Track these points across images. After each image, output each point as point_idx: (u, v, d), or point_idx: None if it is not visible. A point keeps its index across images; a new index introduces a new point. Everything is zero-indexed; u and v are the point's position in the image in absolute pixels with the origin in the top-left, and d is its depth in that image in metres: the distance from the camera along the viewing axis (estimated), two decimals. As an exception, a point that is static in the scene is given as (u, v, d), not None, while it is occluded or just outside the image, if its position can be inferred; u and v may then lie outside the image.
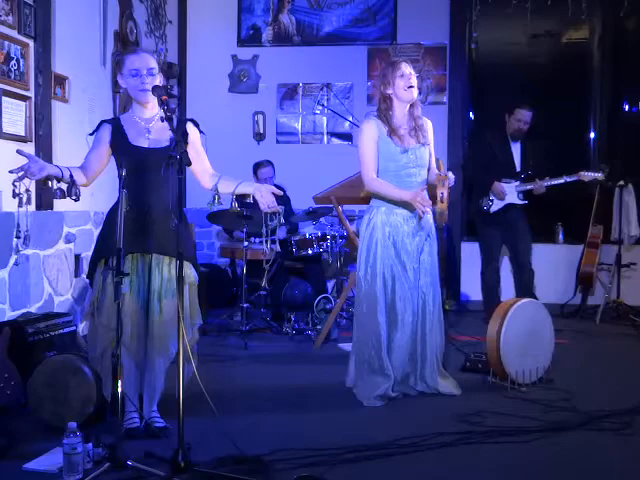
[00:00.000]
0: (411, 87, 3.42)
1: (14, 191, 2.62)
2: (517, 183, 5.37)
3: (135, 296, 2.88)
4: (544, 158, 6.51)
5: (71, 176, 2.78)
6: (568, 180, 5.41)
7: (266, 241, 3.24)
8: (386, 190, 3.45)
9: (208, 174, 3.04)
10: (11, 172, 2.62)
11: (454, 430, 2.94)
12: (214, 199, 2.87)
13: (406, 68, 3.43)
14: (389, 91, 3.45)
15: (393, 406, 3.38)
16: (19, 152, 2.71)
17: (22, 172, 2.61)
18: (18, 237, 2.86)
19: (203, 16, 6.73)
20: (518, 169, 5.44)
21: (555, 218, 6.49)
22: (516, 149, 5.47)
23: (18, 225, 2.79)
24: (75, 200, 2.77)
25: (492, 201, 5.37)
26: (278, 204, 2.96)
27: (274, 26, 6.69)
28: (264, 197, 2.92)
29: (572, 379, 3.80)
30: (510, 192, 5.37)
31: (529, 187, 5.34)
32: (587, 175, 5.34)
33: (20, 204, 2.64)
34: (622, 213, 5.71)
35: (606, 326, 5.50)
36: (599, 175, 5.33)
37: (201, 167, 3.03)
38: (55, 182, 2.77)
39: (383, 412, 3.30)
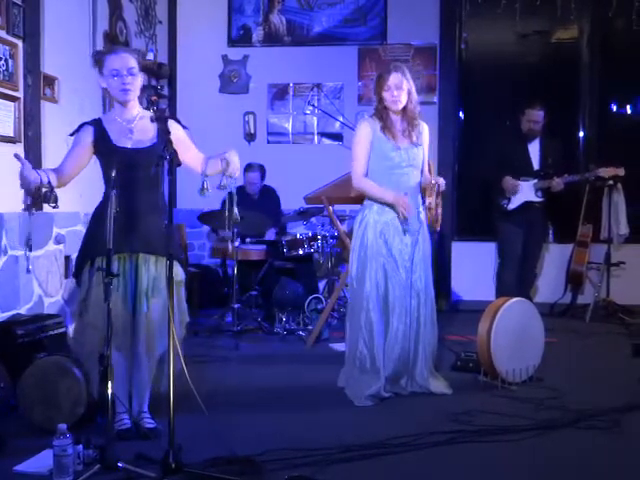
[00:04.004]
0: (395, 100, 3.43)
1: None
2: (535, 181, 5.38)
3: (123, 296, 2.87)
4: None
5: (49, 182, 2.74)
6: (587, 176, 5.43)
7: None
8: (371, 190, 3.49)
9: (200, 160, 3.01)
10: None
11: (445, 429, 2.95)
12: (203, 186, 2.85)
13: (394, 79, 3.41)
14: (380, 95, 3.48)
15: (384, 406, 3.39)
16: (16, 156, 2.67)
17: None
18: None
19: (193, 16, 6.70)
20: (536, 168, 5.45)
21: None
22: (534, 148, 5.49)
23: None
24: (53, 207, 2.74)
25: (509, 199, 5.38)
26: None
27: (264, 26, 6.68)
28: (235, 165, 2.89)
29: (562, 378, 3.82)
30: (528, 190, 5.37)
31: (546, 184, 5.35)
32: (607, 171, 5.36)
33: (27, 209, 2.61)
34: (611, 212, 5.73)
35: (596, 325, 5.52)
36: (620, 170, 5.36)
37: (193, 158, 3.00)
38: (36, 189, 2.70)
39: (374, 412, 3.30)
